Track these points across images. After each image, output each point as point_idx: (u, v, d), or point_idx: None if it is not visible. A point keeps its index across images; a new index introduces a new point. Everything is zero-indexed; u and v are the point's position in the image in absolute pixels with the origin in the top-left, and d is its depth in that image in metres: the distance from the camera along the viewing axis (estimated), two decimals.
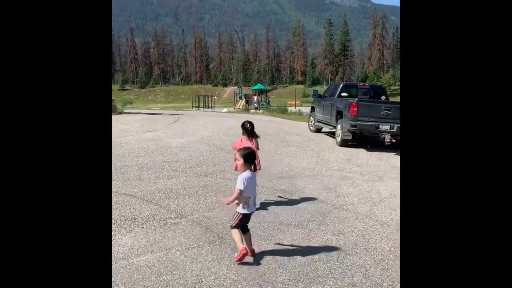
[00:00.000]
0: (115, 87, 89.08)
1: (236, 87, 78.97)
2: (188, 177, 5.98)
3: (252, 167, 3.09)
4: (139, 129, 11.69)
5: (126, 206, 4.39)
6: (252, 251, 3.15)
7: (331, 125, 10.78)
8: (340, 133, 9.58)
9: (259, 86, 47.86)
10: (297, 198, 5.11)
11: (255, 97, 42.59)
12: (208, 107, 44.49)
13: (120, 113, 17.04)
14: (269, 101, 44.43)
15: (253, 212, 3.17)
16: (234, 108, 39.76)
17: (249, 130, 4.85)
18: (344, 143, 9.50)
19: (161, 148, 8.30)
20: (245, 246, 3.06)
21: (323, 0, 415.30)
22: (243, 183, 2.98)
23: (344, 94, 10.55)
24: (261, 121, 15.85)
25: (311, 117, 12.52)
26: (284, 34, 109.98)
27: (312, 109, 12.60)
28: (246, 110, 29.34)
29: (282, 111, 23.57)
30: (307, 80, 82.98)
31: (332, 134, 11.70)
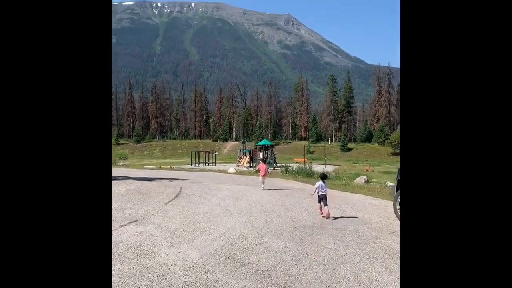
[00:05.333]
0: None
1: (237, 142, 75.25)
2: None
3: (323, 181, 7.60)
4: (118, 215, 6.93)
5: None
6: (327, 214, 7.19)
7: None
8: None
9: (265, 141, 43.79)
10: None
11: (261, 154, 38.28)
12: (208, 164, 40.07)
13: None
14: (275, 158, 40.17)
15: (322, 195, 7.37)
16: (238, 166, 35.30)
17: (264, 161, 14.42)
18: None
19: None
20: (321, 211, 7.40)
21: (318, 61, 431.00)
22: (317, 185, 7.53)
23: None
24: (291, 193, 11.12)
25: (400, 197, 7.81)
26: (281, 91, 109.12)
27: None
28: (257, 170, 24.68)
29: (308, 174, 18.94)
30: (310, 136, 79.63)
31: None
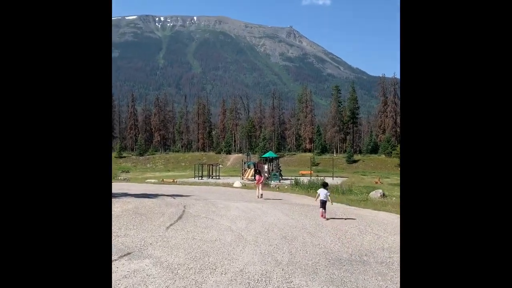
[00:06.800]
0: (112, 154, 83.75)
1: (241, 155, 73.83)
2: None
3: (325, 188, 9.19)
4: None
5: None
6: (323, 214, 8.72)
7: None
8: None
9: (270, 153, 42.46)
10: None
11: (266, 166, 36.97)
12: (212, 177, 38.82)
13: None
14: (280, 171, 38.78)
15: (323, 202, 8.78)
16: (242, 179, 34.03)
17: (258, 172, 16.49)
18: None
19: None
20: (321, 212, 8.72)
21: (321, 72, 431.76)
22: (319, 192, 9.07)
23: None
24: (309, 212, 9.80)
25: None
26: (283, 103, 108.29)
27: None
28: (265, 183, 23.37)
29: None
30: (315, 148, 78.24)
31: None
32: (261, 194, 14.59)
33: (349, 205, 12.40)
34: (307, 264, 4.94)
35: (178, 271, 4.53)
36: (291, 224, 7.91)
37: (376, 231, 7.43)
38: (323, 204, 8.83)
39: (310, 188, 17.91)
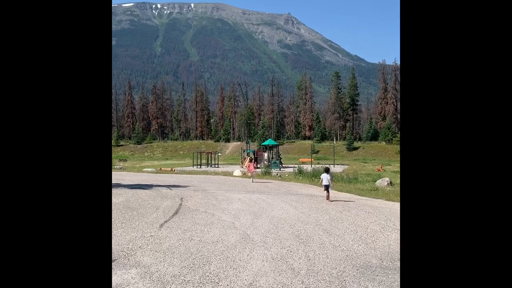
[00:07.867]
0: None
1: (240, 142, 72.86)
2: None
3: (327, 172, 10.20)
4: None
5: None
6: (328, 197, 9.72)
7: None
8: None
9: (269, 141, 41.46)
10: None
11: (265, 154, 36.05)
12: (211, 165, 37.97)
13: None
14: (280, 158, 37.86)
15: (326, 186, 9.76)
16: (242, 167, 33.19)
17: (252, 159, 20.66)
18: None
19: None
20: (326, 195, 9.71)
21: (319, 59, 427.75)
22: (322, 177, 10.04)
23: None
24: (319, 204, 8.88)
25: None
26: (282, 91, 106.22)
27: None
28: (266, 172, 22.45)
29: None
30: (314, 135, 77.25)
31: None
32: (252, 179, 16.28)
33: (360, 196, 11.50)
34: (331, 273, 4.02)
35: (172, 285, 3.60)
36: (303, 219, 6.98)
37: (399, 227, 6.51)
38: (327, 187, 9.83)
39: (315, 177, 16.98)
